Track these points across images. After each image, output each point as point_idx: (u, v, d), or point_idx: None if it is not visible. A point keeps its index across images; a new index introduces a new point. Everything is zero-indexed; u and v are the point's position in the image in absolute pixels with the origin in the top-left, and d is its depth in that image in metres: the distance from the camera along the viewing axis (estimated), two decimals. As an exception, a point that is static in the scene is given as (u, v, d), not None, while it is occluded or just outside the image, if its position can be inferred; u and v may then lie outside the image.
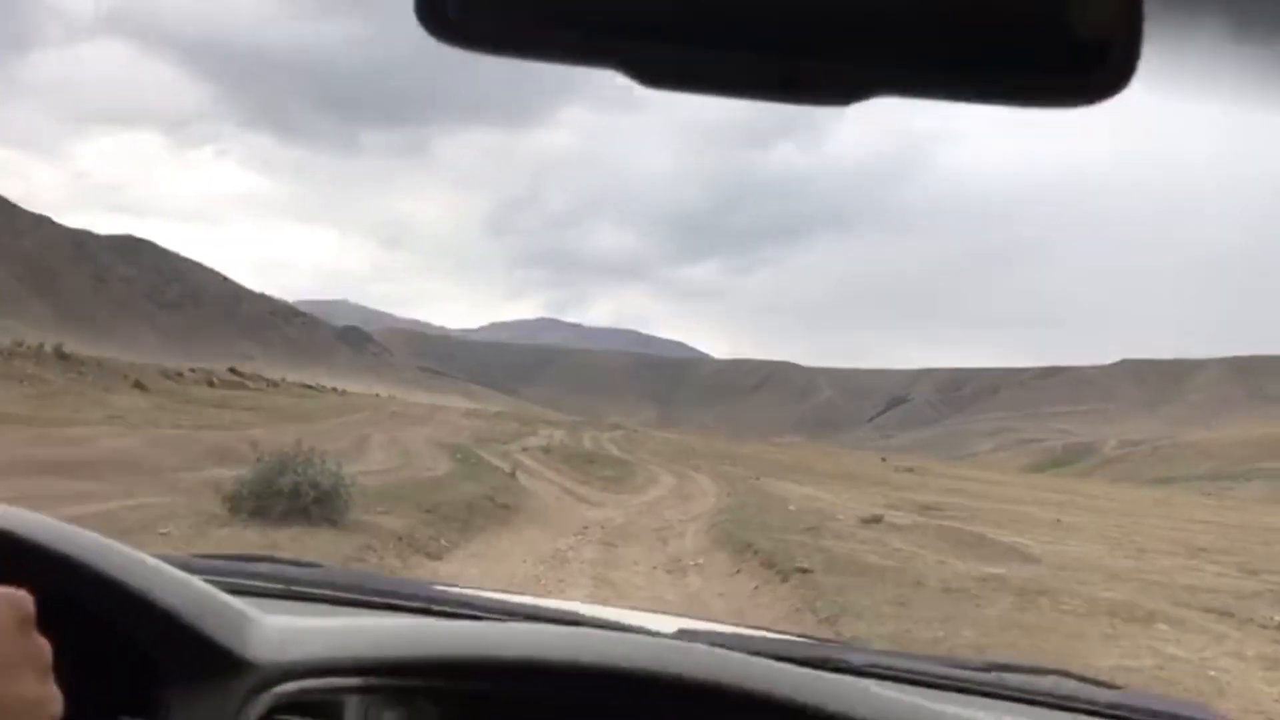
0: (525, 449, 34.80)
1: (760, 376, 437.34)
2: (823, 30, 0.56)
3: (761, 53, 0.57)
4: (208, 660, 1.05)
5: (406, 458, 23.99)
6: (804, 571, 10.55)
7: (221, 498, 10.70)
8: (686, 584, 10.66)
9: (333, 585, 1.63)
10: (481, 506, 14.81)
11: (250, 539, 9.08)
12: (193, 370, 68.89)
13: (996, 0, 0.57)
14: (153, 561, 1.10)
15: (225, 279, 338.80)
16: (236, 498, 10.68)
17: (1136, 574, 13.90)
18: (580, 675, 1.06)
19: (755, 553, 12.05)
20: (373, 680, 1.07)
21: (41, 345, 47.73)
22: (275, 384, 77.34)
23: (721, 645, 1.28)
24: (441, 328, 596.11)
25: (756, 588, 10.28)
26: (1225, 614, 10.43)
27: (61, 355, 48.24)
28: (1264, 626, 9.97)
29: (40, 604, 0.79)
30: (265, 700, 1.05)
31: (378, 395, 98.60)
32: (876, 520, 17.39)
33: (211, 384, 60.20)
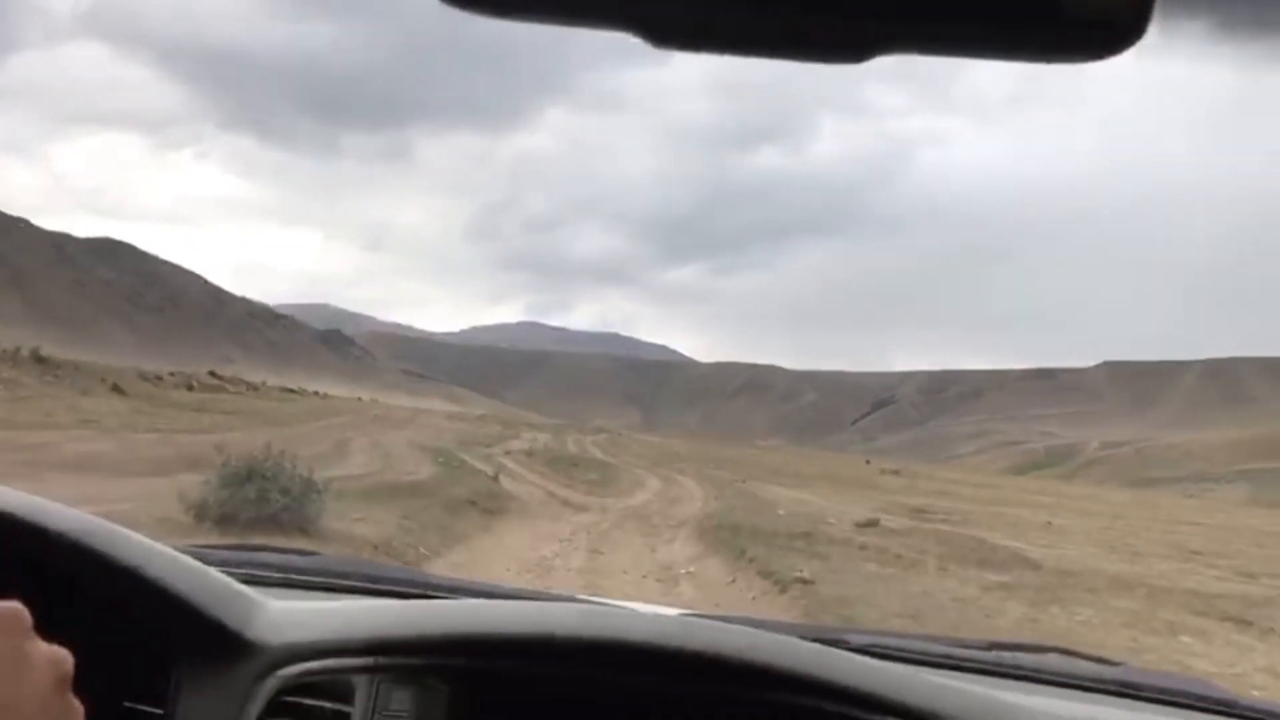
0: (508, 452, 34.50)
1: (744, 379, 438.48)
2: None
3: (771, 10, 0.56)
4: (217, 643, 1.06)
5: (387, 461, 23.54)
6: (804, 581, 10.10)
7: (185, 505, 10.19)
8: (679, 593, 10.12)
9: (332, 573, 1.65)
10: (463, 512, 14.28)
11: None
12: (172, 374, 68.45)
13: None
14: (160, 548, 1.11)
15: (206, 282, 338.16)
16: (201, 505, 10.15)
17: (1139, 579, 13.57)
18: (588, 649, 1.06)
19: (750, 560, 11.59)
20: (381, 660, 1.07)
21: (18, 349, 47.13)
22: (256, 387, 77.04)
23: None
24: (424, 331, 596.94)
25: (754, 598, 9.75)
26: (1243, 623, 10.12)
27: (38, 358, 47.67)
28: (1286, 637, 9.74)
29: (47, 589, 0.81)
30: (273, 682, 1.06)
31: (360, 399, 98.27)
32: (872, 525, 16.97)
33: (190, 387, 59.84)
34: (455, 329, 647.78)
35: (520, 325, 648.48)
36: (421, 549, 10.84)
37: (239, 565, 1.53)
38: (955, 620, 8.91)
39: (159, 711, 1.08)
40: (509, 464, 28.34)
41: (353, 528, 10.89)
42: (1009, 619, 9.26)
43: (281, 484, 10.30)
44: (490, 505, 16.12)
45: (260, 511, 10.02)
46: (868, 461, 71.50)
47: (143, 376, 57.14)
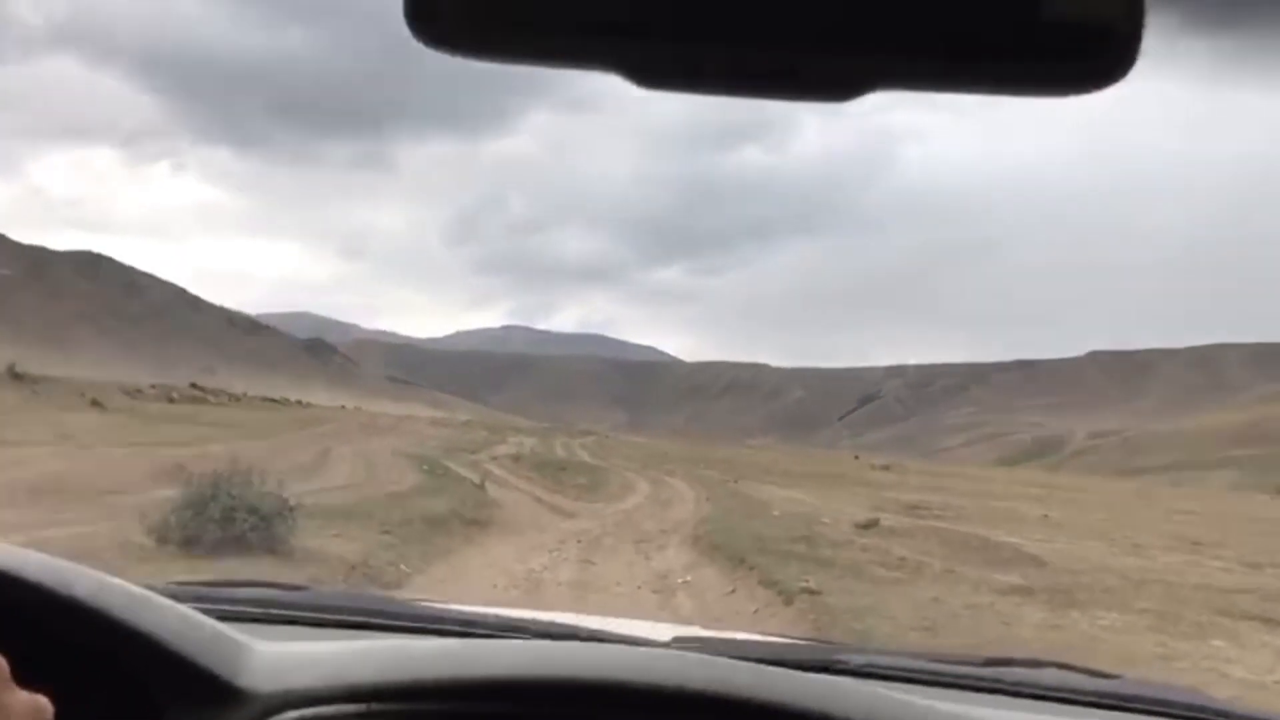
0: (494, 458, 34.22)
1: (730, 378, 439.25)
2: (820, 26, 0.56)
3: (759, 50, 0.57)
4: (205, 692, 1.03)
5: (370, 471, 23.09)
6: (810, 592, 9.54)
7: (146, 528, 9.62)
8: (676, 606, 9.64)
9: (321, 607, 1.63)
10: (447, 524, 13.73)
11: (178, 576, 7.97)
12: (153, 386, 67.98)
13: None
14: (139, 590, 1.07)
15: (186, 293, 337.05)
16: (164, 527, 9.58)
17: (1149, 575, 13.21)
18: (578, 690, 1.06)
19: (750, 568, 11.04)
20: (375, 706, 1.06)
21: (-6, 366, 46.65)
22: (238, 398, 76.71)
23: (719, 653, 1.29)
24: (407, 337, 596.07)
25: (757, 611, 9.23)
26: (1271, 623, 9.69)
27: (14, 375, 47.15)
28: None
29: (28, 641, 0.80)
30: None
31: (343, 407, 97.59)
32: (872, 525, 16.53)
33: (172, 399, 59.44)
34: (439, 334, 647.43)
35: (504, 329, 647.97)
36: (402, 566, 10.31)
37: (223, 602, 1.52)
38: (972, 629, 8.45)
39: None
40: (495, 470, 28.02)
41: (328, 545, 10.37)
42: (1028, 626, 8.80)
43: (249, 502, 9.72)
44: (476, 515, 15.63)
45: (226, 532, 9.50)
46: (856, 457, 71.29)
47: (123, 390, 56.77)
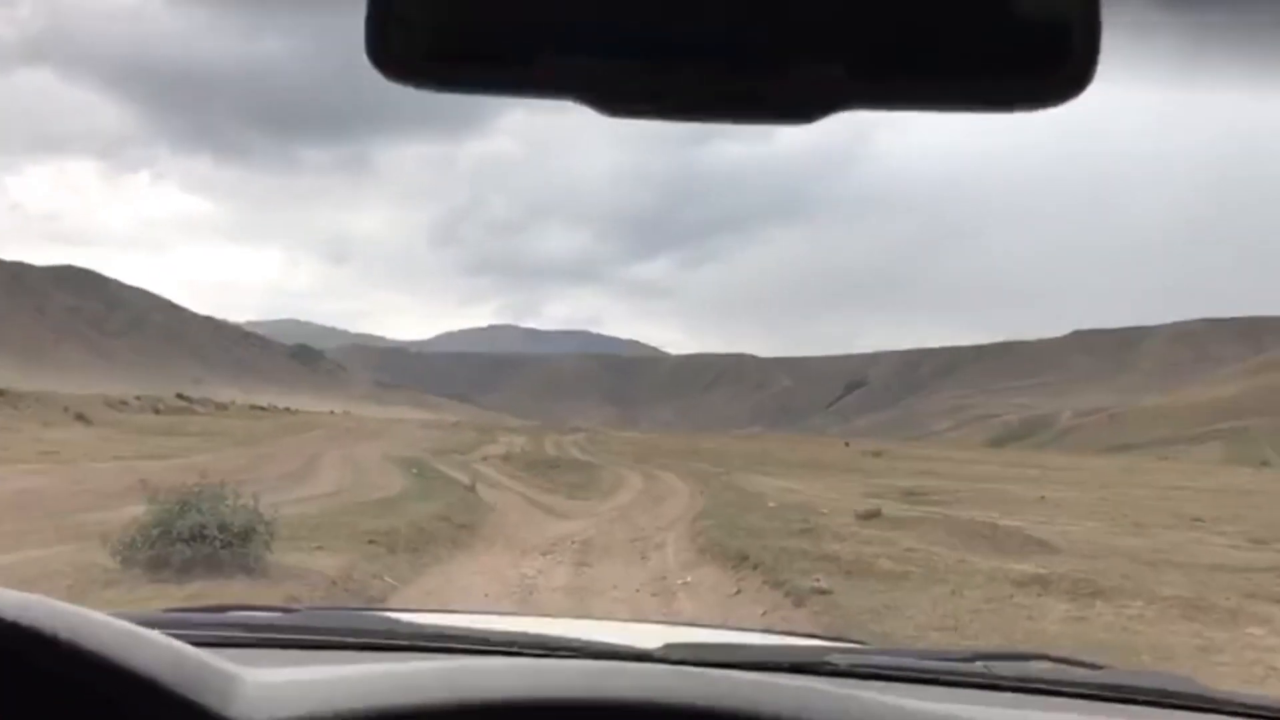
0: (485, 458, 34.01)
1: (718, 370, 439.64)
2: (781, 50, 0.58)
3: (722, 76, 0.58)
4: None
5: (359, 476, 22.81)
6: (821, 592, 9.15)
7: (111, 549, 9.06)
8: (678, 610, 9.29)
9: (310, 629, 1.63)
10: (436, 530, 13.36)
11: (144, 602, 7.53)
12: (138, 398, 67.46)
13: (953, 7, 0.58)
14: (121, 624, 1.03)
15: (170, 304, 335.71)
16: (130, 547, 9.01)
17: (1160, 555, 13.01)
18: (569, 711, 1.07)
19: (754, 566, 10.63)
20: None
21: (-23, 385, 46.23)
22: (225, 407, 76.35)
23: (707, 659, 1.39)
24: (395, 340, 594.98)
25: (765, 614, 8.81)
26: (1302, 605, 9.38)
27: (-2, 392, 46.72)
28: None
29: (6, 680, 0.80)
30: None
31: (332, 412, 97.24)
32: (874, 515, 16.26)
33: (158, 411, 59.16)
34: (426, 336, 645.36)
35: (491, 329, 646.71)
36: (388, 578, 9.87)
37: (211, 628, 1.51)
38: (996, 626, 8.07)
39: None
40: (486, 471, 27.79)
41: (309, 560, 9.91)
42: (1053, 620, 8.45)
43: (220, 519, 9.14)
44: (466, 519, 15.34)
45: (196, 552, 8.95)
46: (847, 444, 71.07)
47: (108, 403, 56.39)
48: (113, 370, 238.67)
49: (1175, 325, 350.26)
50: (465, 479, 22.87)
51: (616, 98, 0.58)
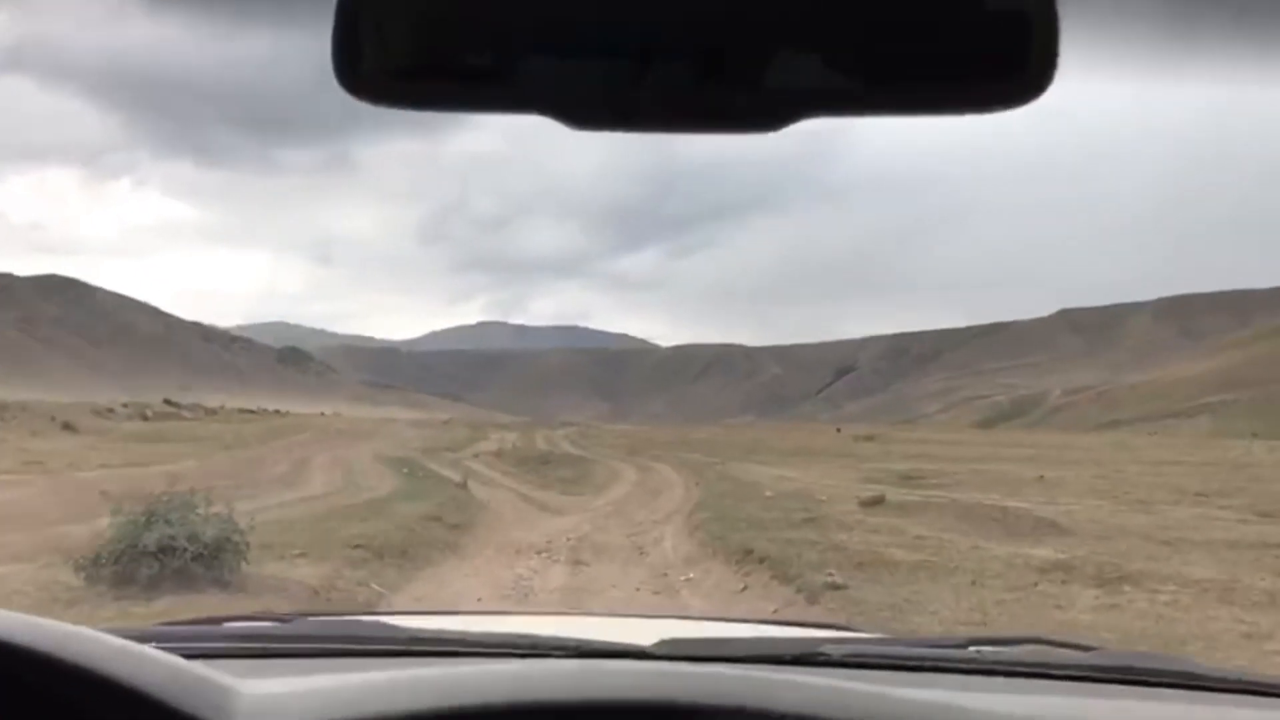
0: (477, 455, 33.81)
1: (707, 360, 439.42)
2: (747, 60, 0.59)
3: (686, 89, 0.60)
4: None
5: (349, 477, 22.53)
6: (835, 587, 8.69)
7: (74, 565, 8.60)
8: (683, 610, 8.85)
9: (304, 639, 1.64)
10: (426, 532, 13.01)
11: (107, 623, 7.14)
12: (125, 405, 66.81)
13: (912, 12, 0.59)
14: (114, 639, 1.02)
15: (157, 310, 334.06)
16: (94, 564, 8.56)
17: (1174, 534, 12.75)
18: (567, 713, 1.08)
19: (759, 560, 10.21)
20: None
21: (-40, 396, 45.73)
22: (213, 412, 75.67)
23: (704, 653, 1.43)
24: (384, 340, 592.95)
25: (776, 612, 8.39)
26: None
27: (-17, 403, 46.25)
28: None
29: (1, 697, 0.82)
30: None
31: (322, 414, 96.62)
32: (878, 502, 15.95)
33: (145, 417, 58.60)
34: (415, 335, 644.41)
35: (480, 326, 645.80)
36: (375, 585, 9.42)
37: (205, 641, 1.52)
38: (1026, 618, 7.67)
39: None
40: (477, 468, 27.57)
41: (290, 569, 9.49)
42: (1085, 609, 8.12)
43: (189, 529, 8.67)
44: (457, 519, 15.03)
45: (165, 566, 8.50)
46: (839, 430, 70.91)
47: (94, 411, 55.81)
48: (100, 378, 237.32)
49: (1161, 301, 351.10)
50: (457, 477, 22.64)
51: (584, 112, 0.59)
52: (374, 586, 9.40)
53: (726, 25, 0.58)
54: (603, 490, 22.79)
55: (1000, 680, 1.53)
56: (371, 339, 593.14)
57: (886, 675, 1.47)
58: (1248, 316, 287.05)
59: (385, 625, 1.86)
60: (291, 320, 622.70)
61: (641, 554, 12.23)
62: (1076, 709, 1.47)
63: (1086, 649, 1.79)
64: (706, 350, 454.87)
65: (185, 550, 8.57)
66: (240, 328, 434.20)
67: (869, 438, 51.14)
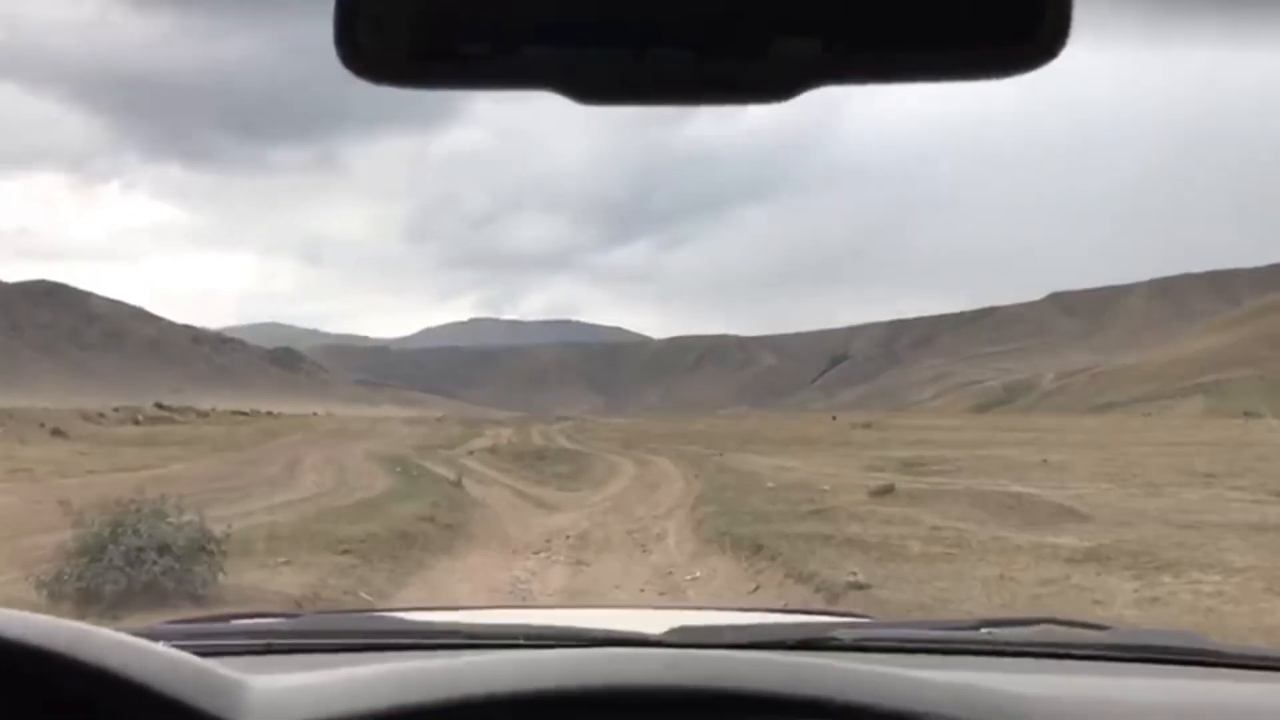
0: (471, 452, 33.45)
1: (700, 352, 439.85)
2: (754, 30, 0.58)
3: (694, 59, 0.59)
4: None
5: (341, 477, 22.07)
6: (858, 586, 8.14)
7: (35, 582, 8.09)
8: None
9: (312, 633, 1.66)
10: (420, 533, 12.56)
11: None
12: (116, 410, 66.28)
13: None
14: (123, 636, 1.03)
15: (147, 314, 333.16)
16: (56, 580, 8.07)
17: (1192, 518, 12.34)
18: (576, 700, 1.08)
19: (770, 556, 9.67)
20: None
21: (-51, 404, 45.26)
22: (205, 414, 75.20)
23: (715, 641, 1.41)
24: (375, 339, 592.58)
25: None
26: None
27: (-29, 411, 45.76)
28: None
29: (7, 698, 0.83)
30: None
31: (315, 414, 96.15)
32: (887, 491, 15.50)
33: (137, 422, 58.14)
34: (407, 333, 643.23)
35: (472, 322, 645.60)
36: (363, 593, 8.94)
37: (214, 638, 1.54)
38: (1064, 614, 7.34)
39: None
40: (472, 465, 27.20)
41: (271, 578, 9.01)
42: (1126, 603, 7.68)
43: (159, 539, 8.17)
44: (452, 518, 14.59)
45: (133, 580, 8.02)
46: (834, 418, 70.63)
47: (85, 416, 55.30)
48: (91, 384, 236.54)
49: (1152, 282, 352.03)
50: (451, 475, 22.20)
51: (592, 86, 0.58)
52: (362, 595, 8.91)
53: None
54: (601, 485, 22.43)
55: (1013, 660, 1.52)
56: (364, 338, 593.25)
57: (898, 658, 1.45)
58: (1239, 296, 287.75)
59: (395, 619, 1.86)
60: (283, 321, 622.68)
61: (644, 551, 11.84)
62: (1090, 688, 1.42)
63: (1099, 628, 1.79)
64: (700, 342, 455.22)
65: (154, 561, 8.07)
66: (231, 329, 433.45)
67: (866, 425, 50.79)
